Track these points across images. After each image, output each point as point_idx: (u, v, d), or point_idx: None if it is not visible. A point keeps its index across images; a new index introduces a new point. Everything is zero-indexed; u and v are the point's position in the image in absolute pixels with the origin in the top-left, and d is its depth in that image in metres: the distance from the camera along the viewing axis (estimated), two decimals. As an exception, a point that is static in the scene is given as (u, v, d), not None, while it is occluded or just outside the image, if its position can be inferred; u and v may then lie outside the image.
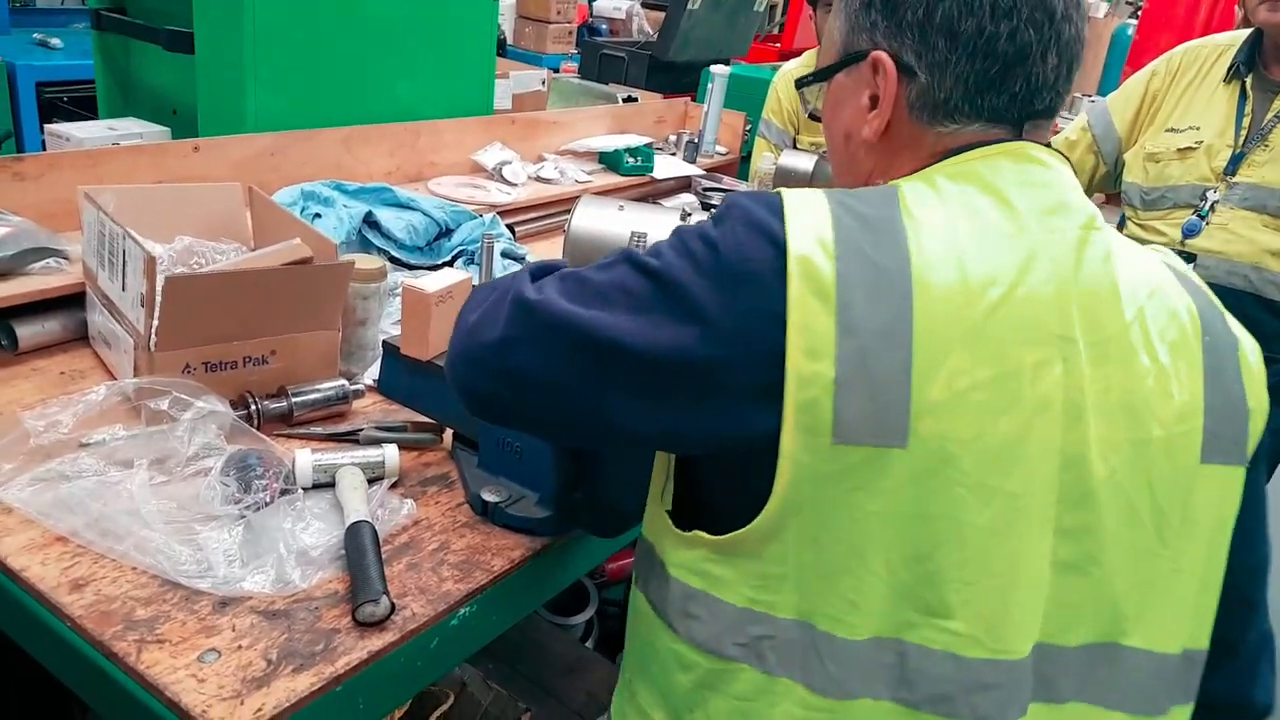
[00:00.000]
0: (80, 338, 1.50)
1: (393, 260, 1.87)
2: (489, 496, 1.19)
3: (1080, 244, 0.80)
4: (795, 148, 2.80)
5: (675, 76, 3.32)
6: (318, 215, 1.75)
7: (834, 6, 0.94)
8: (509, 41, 5.32)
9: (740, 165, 2.95)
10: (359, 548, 1.06)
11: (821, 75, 0.93)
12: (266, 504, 1.12)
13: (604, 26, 5.68)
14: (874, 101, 0.87)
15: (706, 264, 0.76)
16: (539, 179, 2.33)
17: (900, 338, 0.72)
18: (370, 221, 1.85)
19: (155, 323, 1.24)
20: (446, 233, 2.00)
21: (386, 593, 1.00)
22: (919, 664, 0.77)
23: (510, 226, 2.15)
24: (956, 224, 0.77)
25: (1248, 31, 2.05)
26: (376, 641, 0.98)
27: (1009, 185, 0.81)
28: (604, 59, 3.61)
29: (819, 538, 0.76)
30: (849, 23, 0.89)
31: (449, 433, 1.35)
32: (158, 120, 1.96)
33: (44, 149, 1.83)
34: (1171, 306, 0.83)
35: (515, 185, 2.25)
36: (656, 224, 1.86)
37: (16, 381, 1.37)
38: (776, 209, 0.77)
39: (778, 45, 4.07)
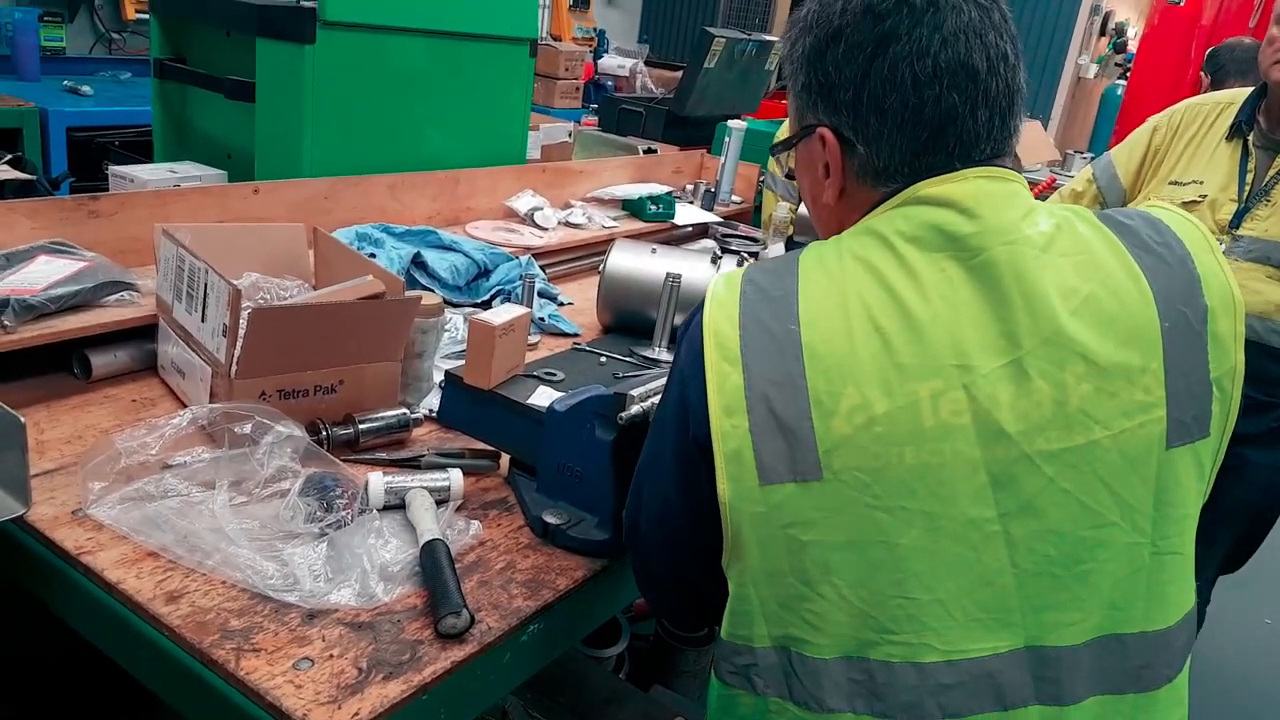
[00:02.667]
0: (148, 368, 1.57)
1: (436, 299, 1.95)
2: (550, 519, 1.26)
3: (987, 267, 0.85)
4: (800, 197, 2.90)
5: (690, 130, 3.45)
6: (372, 255, 1.84)
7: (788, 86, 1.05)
8: (520, 94, 5.46)
9: (753, 214, 3.06)
10: (436, 564, 1.13)
11: (783, 146, 1.04)
12: (347, 523, 1.19)
13: (609, 83, 5.85)
14: (827, 170, 0.96)
15: (672, 375, 0.96)
16: (568, 224, 2.43)
17: (797, 386, 0.83)
18: (418, 262, 1.94)
19: (238, 352, 1.32)
20: (485, 273, 2.09)
21: (466, 606, 1.07)
22: (886, 679, 0.86)
23: (542, 267, 2.24)
24: (845, 280, 0.86)
25: (1248, 90, 2.17)
26: (458, 653, 1.04)
27: (901, 231, 0.88)
28: (622, 113, 3.75)
29: (771, 572, 0.87)
30: (797, 100, 0.99)
31: (505, 459, 1.42)
32: (212, 164, 2.05)
33: (108, 189, 1.91)
34: (1120, 300, 0.85)
35: (546, 229, 2.35)
36: (689, 266, 1.95)
37: (91, 408, 1.45)
38: (702, 303, 0.92)
39: (785, 101, 4.21)
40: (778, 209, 2.69)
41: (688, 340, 0.93)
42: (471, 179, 2.30)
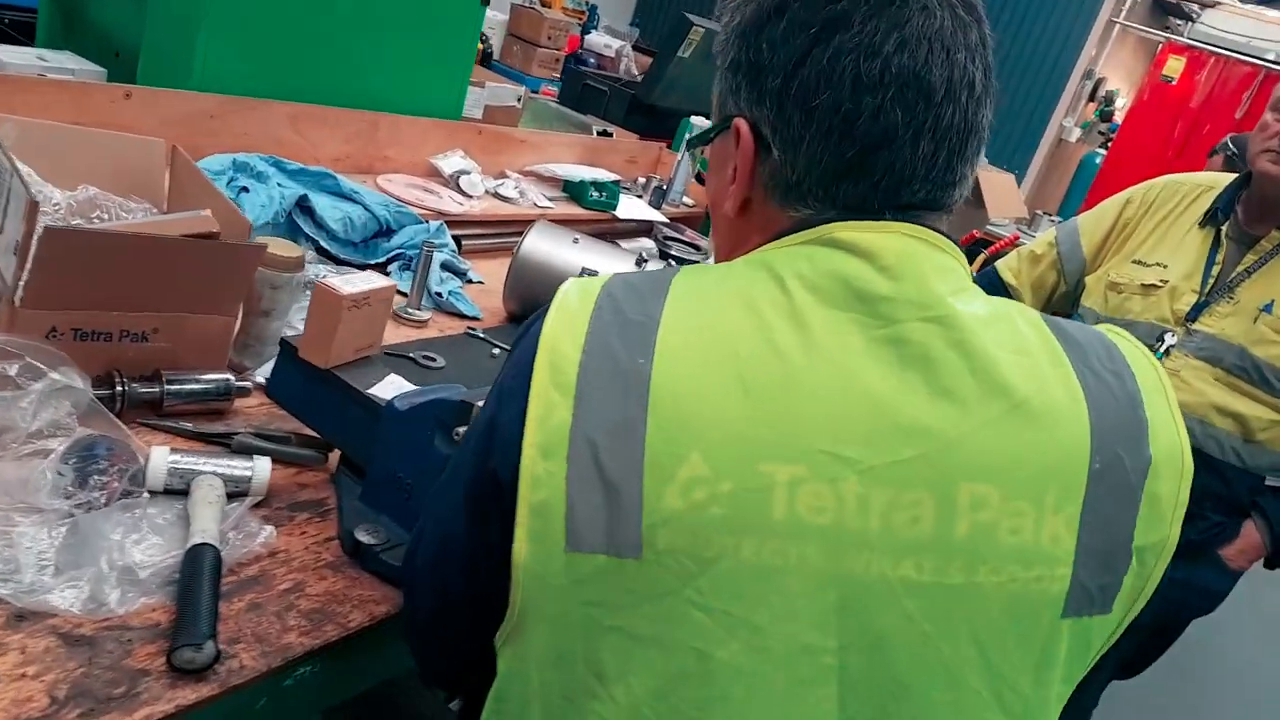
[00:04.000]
0: (-56, 275, 1.33)
1: (320, 251, 1.73)
2: (363, 537, 1.05)
3: (897, 343, 0.68)
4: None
5: (655, 120, 3.24)
6: (245, 190, 1.60)
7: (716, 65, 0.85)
8: (495, 56, 5.21)
9: (704, 220, 2.87)
10: (193, 576, 0.91)
11: (699, 140, 0.85)
12: (101, 505, 0.97)
13: (592, 60, 5.61)
14: (735, 174, 0.77)
15: (492, 389, 0.77)
16: (497, 195, 2.21)
17: (633, 436, 0.65)
18: (304, 206, 1.71)
19: (25, 275, 1.09)
20: (387, 232, 1.86)
21: (213, 637, 0.85)
22: None
23: (457, 239, 2.02)
24: (720, 319, 0.69)
25: (1232, 176, 2.03)
26: (190, 693, 0.83)
27: (801, 274, 0.70)
28: (586, 89, 3.53)
29: (561, 655, 0.70)
30: (721, 83, 0.80)
31: (336, 454, 1.21)
32: (99, 61, 1.80)
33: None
34: (1052, 419, 0.68)
35: (470, 197, 2.13)
36: (609, 265, 1.75)
37: None
38: (546, 308, 0.72)
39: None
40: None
41: (518, 351, 0.74)
42: (395, 125, 2.07)
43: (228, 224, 1.26)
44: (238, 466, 1.09)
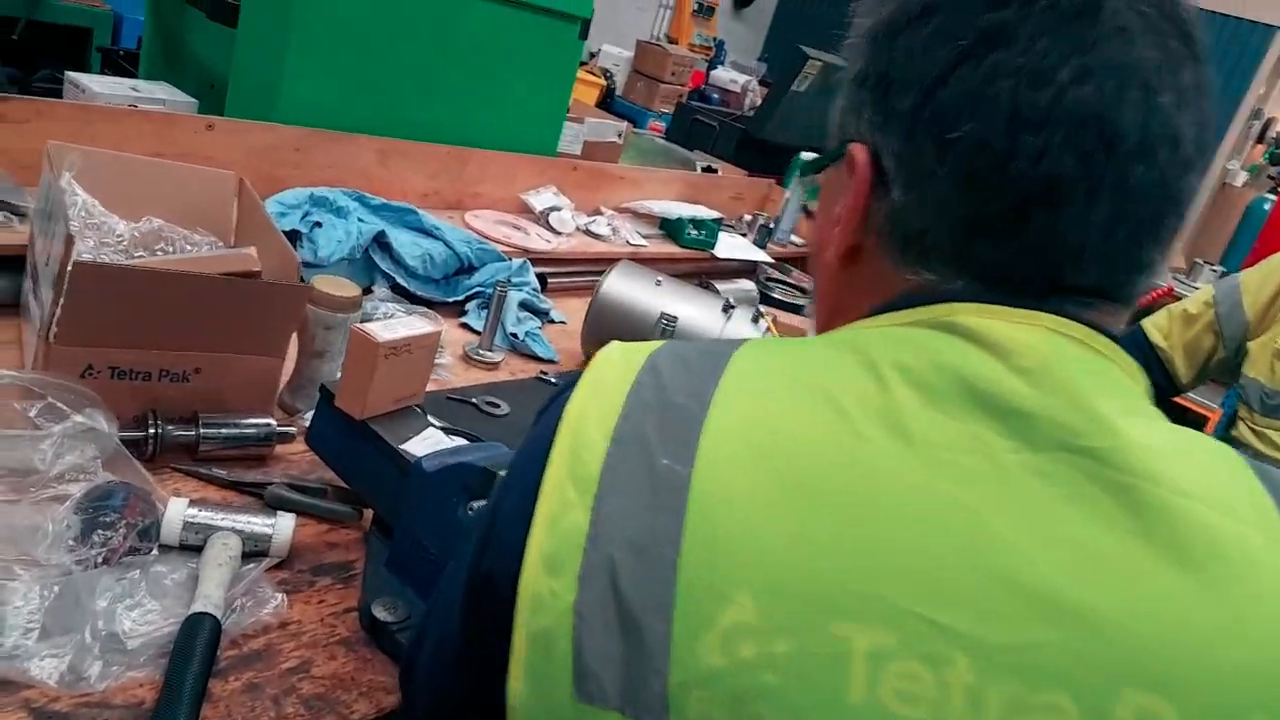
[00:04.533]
0: (13, 304, 1.32)
1: (398, 289, 1.67)
2: (380, 613, 0.95)
3: (1034, 474, 0.49)
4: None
5: (766, 156, 3.10)
6: (318, 225, 1.55)
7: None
8: (618, 92, 5.20)
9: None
10: (184, 652, 0.83)
11: (811, 167, 0.71)
12: (98, 563, 0.90)
13: (715, 96, 5.53)
14: (849, 215, 0.62)
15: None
16: (588, 232, 2.12)
17: (662, 558, 0.49)
18: (382, 242, 1.66)
19: (58, 310, 1.04)
20: (468, 269, 1.80)
21: (189, 726, 0.76)
22: None
23: (543, 277, 1.94)
24: (788, 415, 0.52)
25: None
26: (155, 791, 0.74)
27: (904, 365, 0.53)
28: (694, 124, 3.42)
29: None
30: (844, 99, 0.65)
31: (371, 511, 1.12)
32: (194, 93, 1.80)
33: (60, 96, 1.68)
34: (1262, 622, 0.47)
35: (560, 234, 2.05)
36: (693, 311, 1.63)
37: (-86, 340, 1.19)
38: (575, 379, 0.59)
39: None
40: (837, 261, 2.34)
41: (539, 428, 0.60)
42: (484, 161, 2.01)
43: (276, 263, 1.19)
44: (259, 523, 1.01)
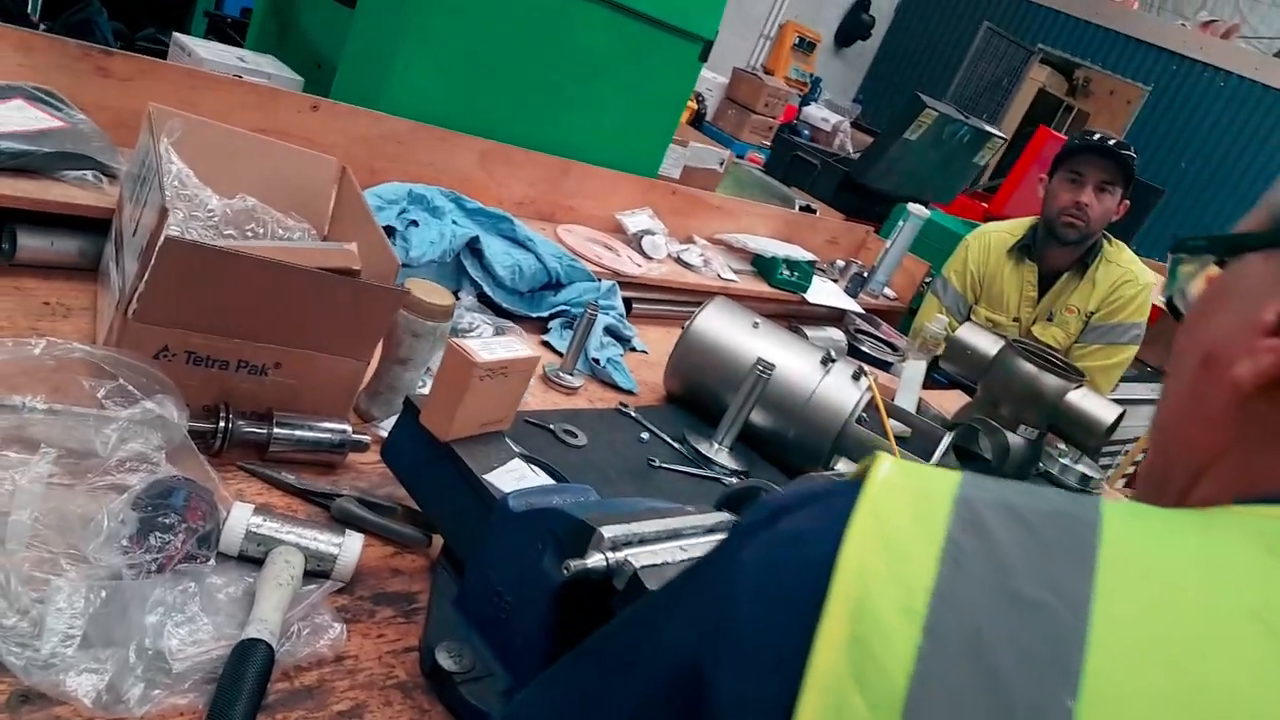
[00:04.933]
0: (93, 269, 1.26)
1: (482, 298, 1.59)
2: (444, 660, 0.86)
3: None
4: (970, 319, 2.43)
5: (866, 201, 3.00)
6: (414, 223, 1.49)
7: None
8: (708, 117, 5.13)
9: (903, 318, 2.60)
10: (233, 685, 0.74)
11: (1223, 245, 0.52)
12: (152, 570, 0.82)
13: (806, 132, 5.44)
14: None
15: (692, 602, 0.46)
16: (679, 260, 2.03)
17: None
18: (475, 249, 1.58)
19: (141, 285, 0.98)
20: (555, 285, 1.72)
21: (230, 775, 0.68)
22: None
23: (628, 301, 1.85)
24: (1208, 656, 0.36)
25: None
26: (186, 845, 0.66)
27: None
28: (795, 160, 3.33)
29: None
30: None
31: (439, 540, 1.03)
32: (300, 70, 1.75)
33: (165, 57, 1.63)
34: None
35: (651, 259, 1.96)
36: (790, 360, 1.53)
37: (-12, 294, 1.14)
38: (840, 510, 0.41)
39: (985, 205, 3.72)
40: (933, 321, 2.23)
41: (774, 569, 0.42)
42: (584, 175, 1.93)
43: (375, 261, 1.12)
44: (325, 542, 0.93)
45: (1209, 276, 0.52)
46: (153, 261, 0.95)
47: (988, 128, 2.99)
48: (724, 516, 0.91)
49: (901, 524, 0.40)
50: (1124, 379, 2.54)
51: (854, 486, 0.42)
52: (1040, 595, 0.37)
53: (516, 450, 1.05)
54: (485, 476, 0.96)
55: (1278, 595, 0.37)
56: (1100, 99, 7.47)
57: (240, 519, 0.91)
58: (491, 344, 1.00)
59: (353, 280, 1.05)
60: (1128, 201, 2.30)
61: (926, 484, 0.42)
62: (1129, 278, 2.35)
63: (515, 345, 1.02)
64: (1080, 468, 2.12)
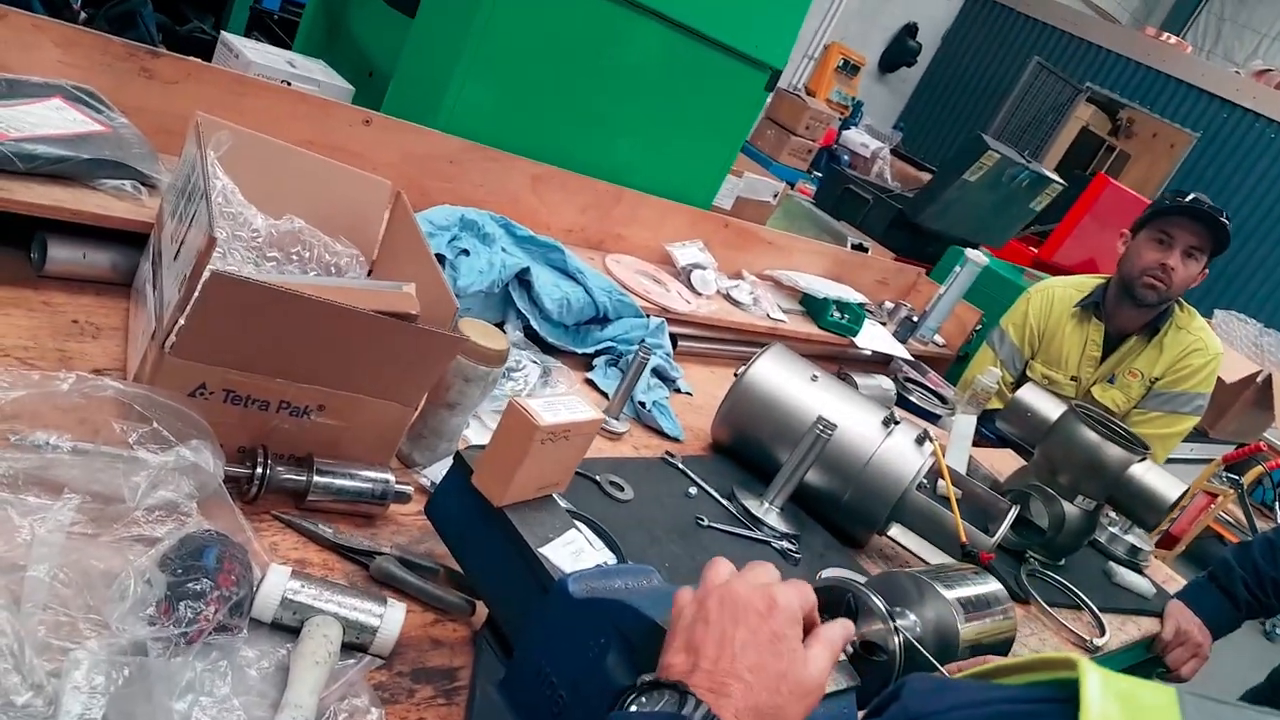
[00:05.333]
0: (125, 284, 1.19)
1: (527, 331, 1.52)
2: (490, 756, 0.78)
3: None
4: (1025, 375, 2.34)
5: (918, 241, 2.92)
6: (465, 252, 1.42)
7: None
8: (747, 137, 5.06)
9: (952, 366, 2.51)
10: (263, 787, 0.67)
11: None
12: (182, 643, 0.75)
13: (845, 157, 5.36)
14: None
15: None
16: (728, 297, 1.96)
17: None
18: (524, 280, 1.51)
19: (182, 320, 0.91)
20: (602, 320, 1.64)
21: None
22: None
23: (673, 337, 1.78)
24: None
25: None
26: None
27: None
28: (846, 193, 3.25)
29: None
30: None
31: (483, 608, 0.96)
32: (350, 77, 1.68)
33: (210, 52, 1.57)
34: None
35: (700, 295, 1.89)
36: (852, 419, 1.44)
37: (13, 308, 1.07)
38: None
39: (1035, 250, 3.63)
40: (985, 373, 2.15)
41: None
42: (636, 203, 1.86)
43: (432, 303, 1.05)
44: (364, 611, 0.86)
45: None
46: (196, 295, 0.88)
47: (1047, 173, 2.89)
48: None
49: None
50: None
51: (1034, 697, 0.38)
52: None
53: (568, 508, 0.97)
54: (541, 550, 0.89)
55: None
56: (1143, 141, 7.35)
57: (276, 584, 0.83)
58: (555, 404, 0.92)
59: (411, 326, 0.97)
60: (1207, 271, 2.20)
61: (1142, 697, 0.37)
62: (1199, 346, 2.25)
63: (578, 406, 0.95)
64: (1130, 538, 2.03)
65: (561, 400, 0.94)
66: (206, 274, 0.88)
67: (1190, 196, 2.13)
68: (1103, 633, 1.65)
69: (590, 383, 1.57)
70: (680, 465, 1.44)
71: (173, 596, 0.77)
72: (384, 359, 0.98)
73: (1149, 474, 1.71)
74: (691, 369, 1.81)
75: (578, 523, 1.16)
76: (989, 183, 2.65)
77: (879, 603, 0.85)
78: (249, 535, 0.88)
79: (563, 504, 1.17)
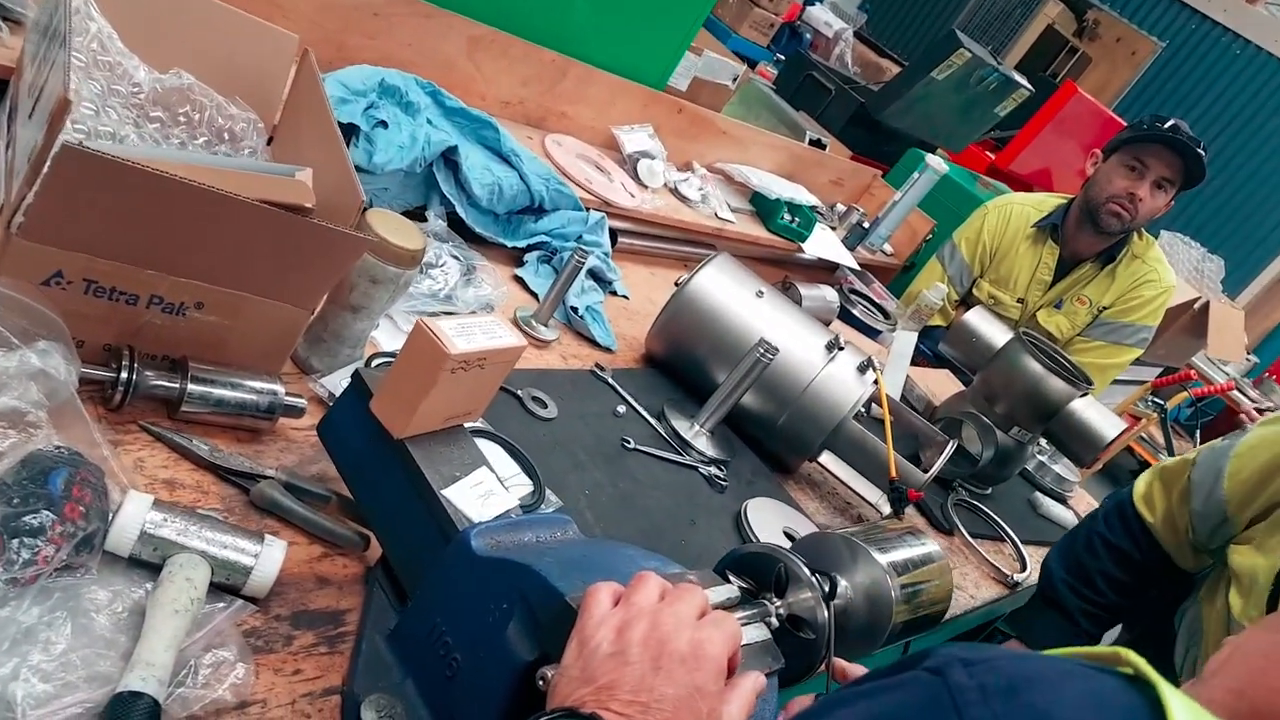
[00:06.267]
0: (-17, 138, 1.02)
1: (452, 220, 1.38)
2: (369, 716, 0.71)
3: None
4: (971, 293, 2.27)
5: (877, 139, 2.79)
6: (383, 124, 1.26)
7: None
8: (708, 4, 4.78)
9: (897, 276, 2.44)
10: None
11: None
12: (21, 582, 0.64)
13: (808, 36, 5.13)
14: None
15: None
16: (675, 192, 1.83)
17: None
18: (450, 159, 1.36)
19: (31, 195, 0.76)
20: (537, 210, 1.51)
21: None
22: None
23: (613, 233, 1.66)
24: None
25: None
26: None
27: None
28: (809, 80, 3.07)
29: None
30: None
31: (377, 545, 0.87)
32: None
33: None
34: None
35: (646, 188, 1.76)
36: (795, 342, 1.36)
37: None
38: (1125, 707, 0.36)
39: (992, 155, 3.52)
40: (932, 289, 2.08)
41: None
42: (585, 78, 1.70)
43: (333, 189, 0.91)
44: (237, 548, 0.76)
45: None
46: (46, 169, 0.74)
47: (1016, 77, 2.76)
48: (732, 591, 0.76)
49: None
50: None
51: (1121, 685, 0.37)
52: None
53: (483, 428, 0.88)
54: (445, 492, 0.79)
55: None
56: (1106, 45, 7.19)
57: (134, 516, 0.73)
58: (469, 327, 0.81)
59: (304, 221, 0.84)
60: (1174, 203, 2.12)
61: None
62: (1152, 278, 2.19)
63: (496, 329, 0.84)
64: (1057, 468, 2.03)
65: (478, 322, 0.83)
66: (57, 146, 0.73)
67: (1169, 123, 2.02)
68: (1024, 568, 1.64)
69: (519, 280, 1.45)
70: (610, 380, 1.35)
71: (10, 524, 0.66)
72: (272, 256, 0.85)
73: (1089, 410, 1.68)
74: (630, 269, 1.70)
75: (498, 453, 1.07)
76: (956, 83, 2.52)
77: (811, 574, 0.78)
78: (106, 454, 0.77)
79: (480, 424, 1.07)
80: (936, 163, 2.22)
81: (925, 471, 1.36)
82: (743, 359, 1.29)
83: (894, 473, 1.32)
